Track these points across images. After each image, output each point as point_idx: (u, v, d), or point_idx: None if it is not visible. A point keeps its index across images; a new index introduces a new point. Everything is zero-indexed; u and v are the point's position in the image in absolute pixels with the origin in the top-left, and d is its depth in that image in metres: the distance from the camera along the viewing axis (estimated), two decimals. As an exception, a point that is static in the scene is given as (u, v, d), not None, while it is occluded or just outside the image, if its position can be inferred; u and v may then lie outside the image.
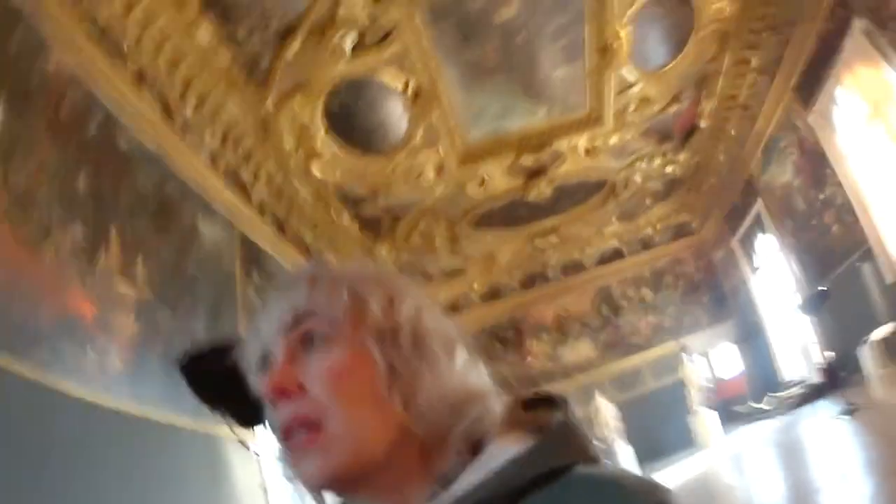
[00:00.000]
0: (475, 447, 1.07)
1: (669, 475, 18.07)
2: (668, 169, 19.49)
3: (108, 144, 9.67)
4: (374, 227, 18.33)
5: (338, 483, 1.08)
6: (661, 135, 17.75)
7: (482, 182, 17.47)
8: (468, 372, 1.17)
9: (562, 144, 16.85)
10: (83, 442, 7.99)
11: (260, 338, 1.18)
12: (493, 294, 23.39)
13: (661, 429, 20.95)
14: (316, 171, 14.97)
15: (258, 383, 1.17)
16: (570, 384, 22.22)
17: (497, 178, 17.51)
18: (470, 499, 0.97)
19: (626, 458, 19.99)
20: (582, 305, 23.48)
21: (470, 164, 16.71)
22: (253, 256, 14.39)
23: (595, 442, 1.19)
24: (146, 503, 8.29)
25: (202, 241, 12.17)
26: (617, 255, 23.43)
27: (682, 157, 18.93)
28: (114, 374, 9.05)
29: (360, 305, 1.14)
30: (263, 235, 14.84)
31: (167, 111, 11.13)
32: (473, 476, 1.00)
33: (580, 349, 23.18)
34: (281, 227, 15.67)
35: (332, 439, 1.06)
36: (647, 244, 23.33)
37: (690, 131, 17.71)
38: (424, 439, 1.08)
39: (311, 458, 1.07)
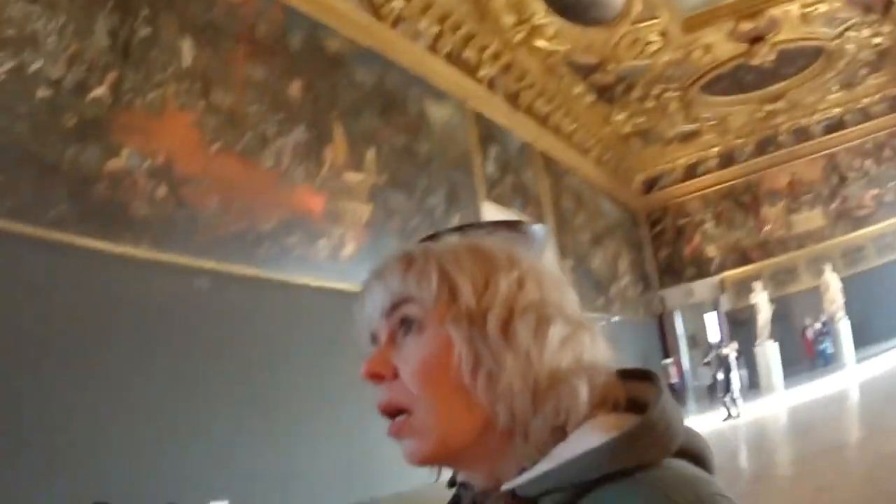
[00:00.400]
0: (562, 432, 0.87)
1: (882, 361, 16.43)
2: (876, 40, 17.05)
3: (316, 51, 9.11)
4: (608, 94, 17.07)
5: (429, 464, 0.96)
6: (865, 5, 15.50)
7: (706, 48, 15.97)
8: (562, 352, 0.91)
9: (776, 11, 15.03)
10: (316, 322, 7.75)
11: (367, 319, 1.00)
12: (728, 159, 21.47)
13: (877, 309, 18.69)
14: (542, 44, 13.88)
15: None
16: (801, 255, 20.33)
17: (720, 44, 15.91)
18: (536, 487, 0.83)
19: (844, 335, 18.33)
20: (812, 173, 21.09)
21: (691, 32, 15.18)
22: (489, 132, 13.57)
23: (681, 433, 0.83)
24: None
25: (432, 123, 11.49)
26: (841, 124, 20.73)
27: (886, 28, 16.49)
28: (346, 259, 8.78)
29: (451, 289, 0.93)
30: (496, 111, 13.95)
31: (375, 9, 10.41)
32: (546, 465, 0.84)
33: (811, 218, 20.89)
34: (513, 101, 14.69)
35: (420, 428, 0.92)
36: (866, 114, 20.44)
37: (889, 3, 15.40)
38: (509, 426, 0.89)
39: (403, 441, 0.94)
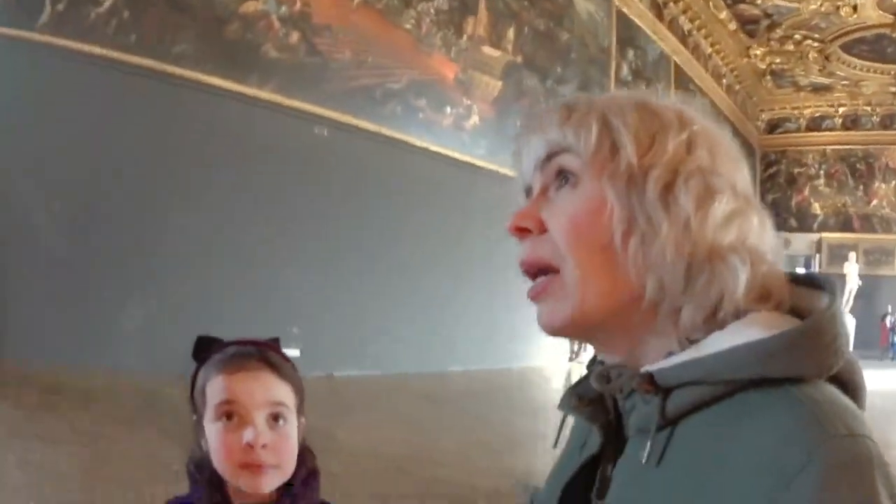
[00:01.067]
0: (714, 321, 0.69)
1: None
2: None
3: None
4: (752, 26, 15.34)
5: (565, 334, 0.78)
6: None
7: (854, 7, 13.96)
8: (725, 228, 0.72)
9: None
10: (429, 186, 7.09)
11: (522, 168, 0.83)
12: (853, 122, 19.18)
13: None
14: None
15: None
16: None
17: (869, 7, 13.94)
18: (677, 375, 0.67)
19: None
20: (938, 161, 18.84)
21: (845, -13, 13.43)
22: (629, 35, 12.19)
23: (845, 351, 0.66)
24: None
25: (576, 14, 10.15)
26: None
27: None
28: (470, 130, 7.83)
29: (612, 144, 0.75)
30: (641, 16, 12.50)
31: None
32: (694, 353, 0.68)
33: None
34: (659, 11, 13.18)
35: (562, 290, 0.74)
36: None
37: None
38: (656, 301, 0.71)
39: (541, 305, 0.77)
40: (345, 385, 6.06)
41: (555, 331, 0.76)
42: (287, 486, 1.19)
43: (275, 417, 1.16)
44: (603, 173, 0.73)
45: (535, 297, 0.76)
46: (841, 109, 18.82)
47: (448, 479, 4.42)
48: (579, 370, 0.83)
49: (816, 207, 19.29)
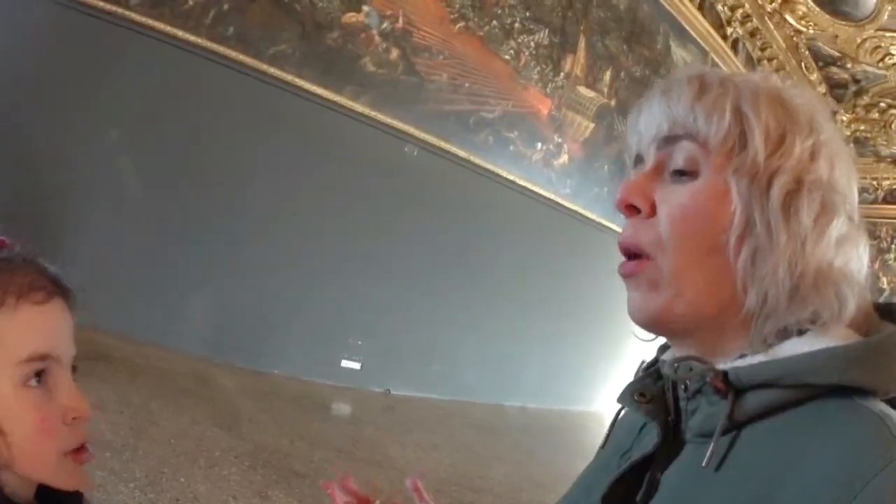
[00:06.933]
0: (801, 332, 0.64)
1: None
2: None
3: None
4: (839, 91, 14.33)
5: (653, 326, 0.70)
6: None
7: None
8: (836, 251, 0.65)
9: None
10: (511, 219, 6.66)
11: (638, 135, 0.74)
12: None
13: None
14: (791, 20, 11.65)
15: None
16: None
17: None
18: (753, 375, 0.63)
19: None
20: None
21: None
22: None
23: None
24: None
25: (673, 64, 9.56)
26: None
27: None
28: (558, 168, 7.33)
29: (741, 133, 0.67)
30: (734, 71, 11.29)
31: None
32: (772, 355, 0.63)
33: None
34: (752, 68, 12.49)
35: (656, 280, 0.67)
36: None
37: None
38: (752, 313, 0.65)
39: (634, 288, 0.69)
40: (401, 403, 5.85)
41: (647, 320, 0.68)
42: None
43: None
44: (727, 167, 0.66)
45: (626, 274, 0.69)
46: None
47: (488, 507, 4.26)
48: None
49: (884, 282, 17.88)
